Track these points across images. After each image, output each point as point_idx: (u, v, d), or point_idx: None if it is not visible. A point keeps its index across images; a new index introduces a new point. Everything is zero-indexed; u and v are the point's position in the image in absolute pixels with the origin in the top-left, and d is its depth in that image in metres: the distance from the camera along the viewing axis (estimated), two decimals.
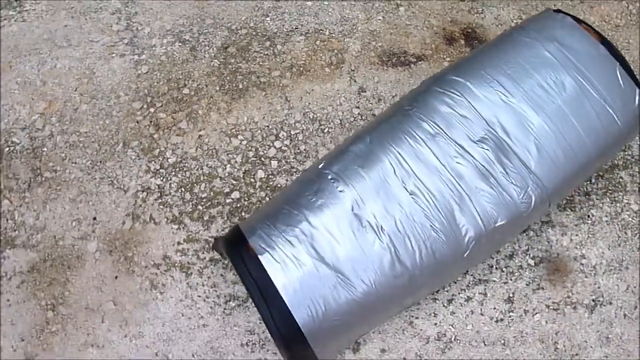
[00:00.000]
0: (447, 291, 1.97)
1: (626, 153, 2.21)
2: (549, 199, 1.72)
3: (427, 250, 1.62)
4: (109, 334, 1.84)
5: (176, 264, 1.94)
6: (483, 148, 1.69)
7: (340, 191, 1.65)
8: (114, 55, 2.23)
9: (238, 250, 1.61)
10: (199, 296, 1.90)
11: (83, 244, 1.94)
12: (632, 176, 2.18)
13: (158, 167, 2.06)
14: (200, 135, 2.12)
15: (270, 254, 1.59)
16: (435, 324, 1.91)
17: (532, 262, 2.03)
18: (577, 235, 2.07)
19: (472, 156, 1.68)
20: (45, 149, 2.06)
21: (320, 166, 1.75)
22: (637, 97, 1.76)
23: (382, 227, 1.61)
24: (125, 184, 2.03)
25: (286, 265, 1.57)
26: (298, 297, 1.54)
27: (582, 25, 1.85)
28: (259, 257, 1.58)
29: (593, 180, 2.16)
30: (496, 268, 2.01)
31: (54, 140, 2.07)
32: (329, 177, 1.70)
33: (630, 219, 2.10)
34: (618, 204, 2.13)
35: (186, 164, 2.07)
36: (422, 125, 1.73)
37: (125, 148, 2.08)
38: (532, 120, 1.71)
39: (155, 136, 2.11)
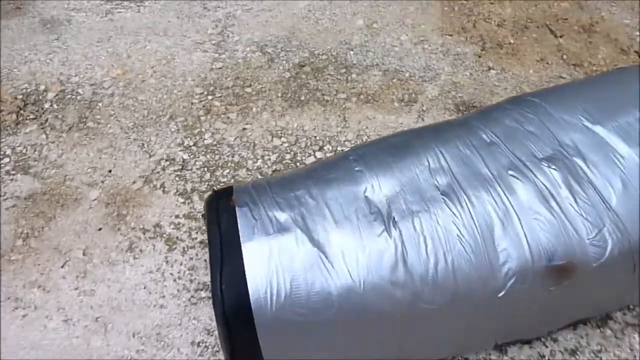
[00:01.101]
0: None
1: None
2: (633, 255, 1.25)
3: (447, 265, 1.21)
4: (61, 281, 1.59)
5: (164, 235, 1.70)
6: (549, 167, 1.32)
7: (357, 170, 1.37)
8: (198, 50, 2.32)
9: (217, 201, 1.36)
10: (171, 274, 1.61)
11: (87, 189, 1.82)
12: None
13: (191, 144, 1.95)
14: (244, 128, 2.01)
15: (250, 209, 1.30)
16: None
17: None
18: None
19: (532, 172, 1.32)
20: (100, 104, 2.09)
21: (347, 150, 1.50)
22: None
23: (394, 219, 1.26)
24: (153, 150, 1.93)
25: (262, 225, 1.26)
26: (261, 264, 1.19)
27: None
28: (236, 209, 1.31)
29: None
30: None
31: (111, 100, 2.10)
32: (350, 157, 1.44)
33: None
34: None
35: (219, 149, 1.93)
36: (477, 134, 1.44)
37: (169, 121, 2.03)
38: (621, 152, 1.33)
39: (202, 118, 2.04)
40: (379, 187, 1.32)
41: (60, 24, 2.43)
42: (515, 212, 1.26)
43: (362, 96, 2.13)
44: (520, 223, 1.25)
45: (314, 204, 1.30)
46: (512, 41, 2.36)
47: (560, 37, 2.39)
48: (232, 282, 1.18)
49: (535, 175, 1.31)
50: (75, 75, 2.20)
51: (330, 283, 1.19)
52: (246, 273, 1.18)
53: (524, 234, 1.24)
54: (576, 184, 1.30)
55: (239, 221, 1.27)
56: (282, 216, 1.27)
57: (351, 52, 2.31)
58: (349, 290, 1.19)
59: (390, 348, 1.32)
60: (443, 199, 1.28)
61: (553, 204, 1.27)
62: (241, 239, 1.23)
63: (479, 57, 2.29)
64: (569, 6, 2.54)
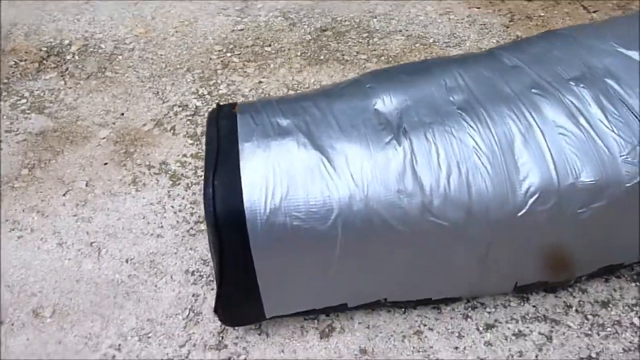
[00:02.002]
0: (488, 311, 1.29)
1: None
2: None
3: (460, 176, 1.10)
4: (61, 208, 1.54)
5: (169, 172, 1.64)
6: (577, 86, 1.22)
7: (369, 87, 1.29)
8: (221, 14, 2.32)
9: (219, 112, 1.29)
10: (172, 207, 1.54)
11: (97, 129, 1.79)
12: None
13: (206, 93, 1.91)
14: (260, 81, 1.96)
15: (252, 116, 1.23)
16: (456, 347, 1.22)
17: (639, 323, 1.27)
18: None
19: (558, 91, 1.21)
20: (120, 57, 2.09)
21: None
22: None
23: (405, 128, 1.17)
24: (168, 97, 1.90)
25: (263, 129, 1.18)
26: (258, 164, 1.11)
27: None
28: (237, 115, 1.24)
29: None
30: (576, 311, 1.29)
31: (132, 54, 2.11)
32: (364, 78, 1.36)
33: None
34: None
35: (234, 98, 1.89)
36: (501, 60, 1.34)
37: (186, 72, 2.00)
38: None
39: (219, 72, 2.01)
40: (390, 101, 1.23)
41: None
42: (538, 126, 1.15)
43: (383, 57, 2.06)
44: (544, 137, 1.14)
45: (320, 114, 1.22)
46: (542, 14, 2.28)
47: (594, 12, 2.29)
48: (225, 180, 1.10)
49: (562, 94, 1.21)
50: (100, 33, 2.22)
51: (331, 187, 1.09)
52: (241, 171, 1.11)
53: (548, 148, 1.12)
54: (607, 102, 1.18)
55: (239, 125, 1.20)
56: (285, 122, 1.20)
57: (374, 20, 2.26)
58: (351, 197, 1.09)
59: (397, 276, 1.20)
60: (459, 113, 1.19)
61: (581, 120, 1.16)
62: (239, 139, 1.16)
63: (507, 27, 2.21)
64: None
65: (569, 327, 1.26)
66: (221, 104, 1.33)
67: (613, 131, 1.14)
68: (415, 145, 1.14)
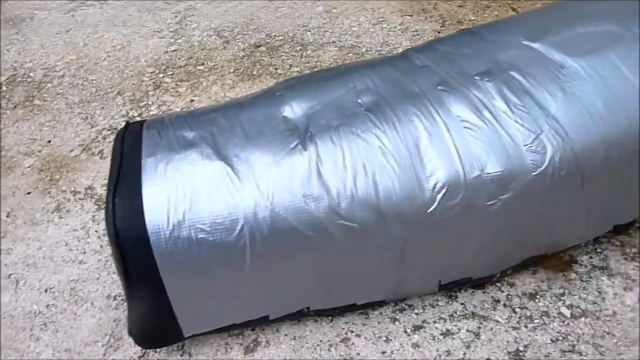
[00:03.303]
0: (416, 313, 1.27)
1: None
2: (577, 163, 1.12)
3: (367, 177, 1.09)
4: None
5: (95, 196, 1.59)
6: (482, 80, 1.22)
7: (279, 95, 1.28)
8: (155, 37, 2.30)
9: (126, 129, 1.26)
10: (97, 231, 1.49)
11: (22, 158, 1.74)
12: None
13: (136, 115, 1.89)
14: (192, 100, 1.94)
15: (158, 130, 1.21)
16: (384, 352, 1.19)
17: (567, 312, 1.26)
18: None
19: (464, 86, 1.22)
20: (49, 85, 2.05)
21: None
22: None
23: (311, 132, 1.16)
24: (97, 122, 1.87)
25: (168, 143, 1.15)
26: (160, 179, 1.08)
27: None
28: (143, 131, 1.21)
29: None
30: (504, 305, 1.28)
31: (61, 80, 2.07)
32: (275, 86, 1.35)
33: None
34: None
35: None
36: (411, 60, 1.35)
37: (117, 96, 1.97)
38: (561, 62, 1.23)
39: (151, 93, 1.99)
40: (299, 107, 1.22)
41: (23, 20, 2.46)
42: (443, 122, 1.15)
43: (315, 69, 2.07)
44: (450, 133, 1.14)
45: (227, 124, 1.20)
46: (472, 18, 2.32)
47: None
48: (126, 197, 1.07)
49: (468, 89, 1.21)
50: (30, 62, 2.19)
51: (235, 197, 1.07)
52: (142, 187, 1.08)
53: (454, 143, 1.12)
54: (511, 94, 1.19)
55: (143, 141, 1.17)
56: (191, 134, 1.17)
57: (308, 33, 2.27)
58: (257, 205, 1.06)
59: (315, 283, 1.17)
60: (366, 114, 1.18)
61: (486, 113, 1.16)
62: (142, 155, 1.14)
63: (438, 32, 2.24)
64: None
65: (497, 322, 1.25)
66: (131, 122, 1.31)
67: (517, 122, 1.15)
68: (321, 149, 1.12)
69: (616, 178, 1.18)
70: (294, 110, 1.22)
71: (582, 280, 1.33)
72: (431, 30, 2.26)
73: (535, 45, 1.29)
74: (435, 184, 1.10)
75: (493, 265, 1.26)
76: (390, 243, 1.13)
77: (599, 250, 1.39)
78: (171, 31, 2.34)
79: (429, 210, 1.10)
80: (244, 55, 2.16)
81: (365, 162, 1.11)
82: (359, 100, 1.22)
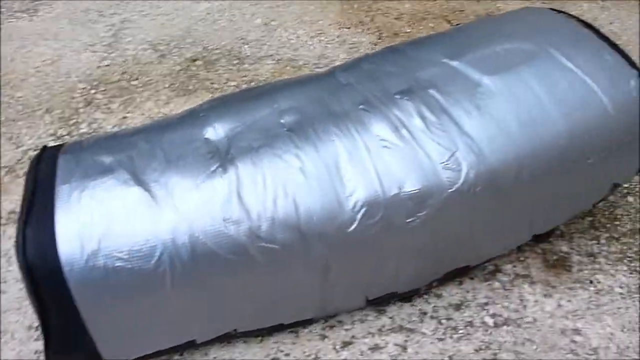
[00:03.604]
0: (345, 329, 1.28)
1: None
2: (492, 179, 1.16)
3: (287, 198, 1.10)
4: None
5: None
6: (402, 99, 1.25)
7: (202, 115, 1.27)
8: (87, 50, 2.24)
9: (42, 155, 1.21)
10: None
11: None
12: None
13: (65, 134, 1.83)
14: (125, 117, 1.90)
15: (74, 155, 1.17)
16: None
17: (490, 321, 1.30)
18: (570, 301, 1.34)
19: (384, 105, 1.24)
20: None
21: None
22: (632, 80, 1.27)
23: (232, 156, 1.15)
24: (22, 142, 1.80)
25: (84, 169, 1.12)
26: (74, 207, 1.05)
27: (562, 13, 1.50)
28: (60, 156, 1.18)
29: (602, 242, 1.48)
30: (431, 317, 1.31)
31: None
32: (199, 107, 1.34)
33: None
34: None
35: None
36: (335, 78, 1.37)
37: (44, 114, 1.91)
38: (477, 80, 1.27)
39: (81, 110, 1.93)
40: (222, 128, 1.22)
41: None
42: (363, 142, 1.17)
43: (253, 83, 2.06)
44: (369, 152, 1.16)
45: (148, 147, 1.18)
46: (408, 30, 2.38)
47: (457, 25, 2.41)
48: (37, 227, 1.03)
49: (388, 108, 1.24)
50: None
51: (153, 223, 1.05)
52: (55, 217, 1.04)
53: (372, 163, 1.15)
54: (429, 112, 1.22)
55: (58, 167, 1.14)
56: (109, 159, 1.15)
57: (246, 46, 2.27)
58: (175, 230, 1.05)
59: (240, 305, 1.16)
60: (288, 134, 1.19)
61: (404, 132, 1.19)
62: (57, 182, 1.10)
63: (375, 45, 2.28)
64: None
65: (424, 334, 1.28)
66: (48, 145, 1.27)
67: (433, 140, 1.18)
68: (241, 172, 1.12)
69: (530, 192, 1.24)
70: (216, 131, 1.21)
71: (505, 289, 1.38)
72: (368, 42, 2.29)
73: (454, 63, 1.33)
74: (355, 203, 1.11)
75: (416, 280, 1.29)
76: (312, 263, 1.14)
77: (522, 258, 1.45)
78: (105, 45, 2.28)
79: (349, 230, 1.12)
80: (179, 70, 2.13)
81: (286, 183, 1.11)
82: (282, 120, 1.22)
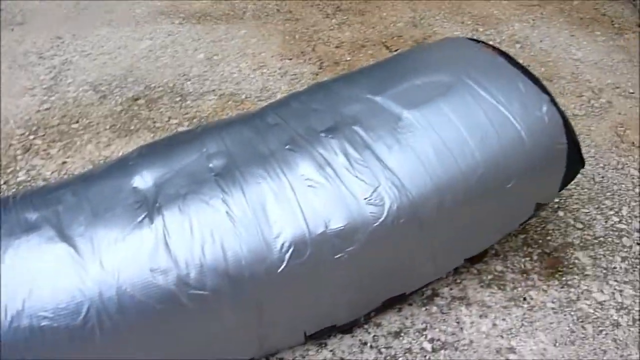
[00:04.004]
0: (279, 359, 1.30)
1: (585, 232, 1.62)
2: (414, 211, 1.20)
3: (214, 244, 1.11)
4: None
5: None
6: (327, 137, 1.29)
7: (131, 164, 1.28)
8: (26, 95, 2.21)
9: None
10: None
11: None
12: (593, 259, 1.54)
13: (2, 183, 1.80)
14: (65, 162, 1.88)
15: (1, 214, 1.16)
16: None
17: (428, 346, 1.33)
18: (504, 320, 1.39)
19: (310, 144, 1.28)
20: None
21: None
22: (544, 105, 1.34)
23: (159, 204, 1.16)
24: None
25: (9, 228, 1.12)
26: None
27: (480, 43, 1.57)
28: None
29: (535, 258, 1.55)
30: (371, 347, 1.33)
31: None
32: (129, 154, 1.35)
33: (590, 310, 1.40)
34: (572, 290, 1.45)
35: (34, 184, 1.79)
36: (265, 118, 1.40)
37: None
38: (397, 114, 1.32)
39: (19, 157, 1.90)
40: (150, 176, 1.23)
41: None
42: (289, 183, 1.20)
43: (195, 120, 2.08)
44: (294, 193, 1.19)
45: (74, 201, 1.18)
46: (348, 58, 2.44)
47: (395, 51, 2.49)
48: None
49: (313, 146, 1.27)
50: None
51: (79, 279, 1.05)
52: None
53: (298, 203, 1.17)
54: (353, 149, 1.26)
55: None
56: (34, 216, 1.15)
57: (188, 83, 2.28)
58: (102, 284, 1.05)
59: (174, 354, 1.16)
60: (215, 179, 1.21)
61: (329, 170, 1.23)
62: None
63: (316, 74, 2.33)
64: (403, 25, 2.68)
65: None
66: None
67: (357, 177, 1.22)
68: (168, 220, 1.13)
69: (454, 219, 1.28)
70: (144, 179, 1.22)
71: (442, 313, 1.42)
72: (309, 72, 2.34)
73: (377, 99, 1.38)
74: (283, 243, 1.14)
75: (354, 312, 1.32)
76: (244, 305, 1.15)
77: (458, 280, 1.50)
78: (44, 88, 2.26)
79: (279, 270, 1.14)
80: (121, 110, 2.13)
81: (213, 228, 1.13)
82: (210, 165, 1.25)
